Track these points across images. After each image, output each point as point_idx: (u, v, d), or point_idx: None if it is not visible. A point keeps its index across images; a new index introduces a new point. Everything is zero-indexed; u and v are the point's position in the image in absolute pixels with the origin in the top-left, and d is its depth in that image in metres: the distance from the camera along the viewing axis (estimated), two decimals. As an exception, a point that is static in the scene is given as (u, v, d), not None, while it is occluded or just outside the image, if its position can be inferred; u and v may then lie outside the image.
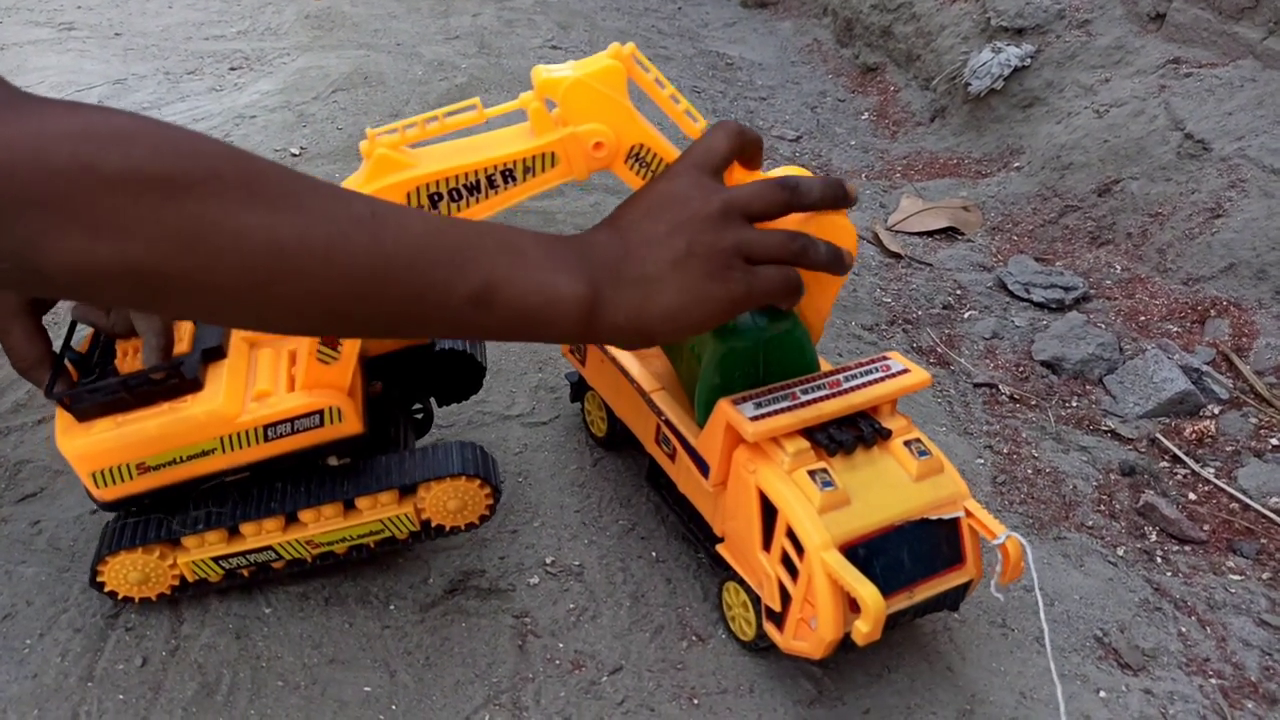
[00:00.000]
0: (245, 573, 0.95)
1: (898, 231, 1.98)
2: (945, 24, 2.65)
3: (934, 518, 0.86)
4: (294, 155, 1.93)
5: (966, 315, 1.68)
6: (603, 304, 0.67)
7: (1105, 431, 1.41)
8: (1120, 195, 1.93)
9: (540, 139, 0.77)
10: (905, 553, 0.85)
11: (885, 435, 0.89)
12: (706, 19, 3.32)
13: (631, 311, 0.68)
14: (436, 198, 0.78)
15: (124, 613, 0.95)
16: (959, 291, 1.76)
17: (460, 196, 0.79)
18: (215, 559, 0.92)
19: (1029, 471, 1.30)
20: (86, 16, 2.65)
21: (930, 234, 1.98)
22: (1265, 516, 1.24)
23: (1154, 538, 1.21)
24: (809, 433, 0.87)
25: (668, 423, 0.97)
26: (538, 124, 0.77)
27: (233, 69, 2.37)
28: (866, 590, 0.77)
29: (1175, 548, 1.19)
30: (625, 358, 1.05)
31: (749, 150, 0.76)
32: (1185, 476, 1.32)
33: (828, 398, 0.89)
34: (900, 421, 0.92)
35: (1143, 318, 1.67)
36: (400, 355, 1.02)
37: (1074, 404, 1.47)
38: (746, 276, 0.70)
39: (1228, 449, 1.36)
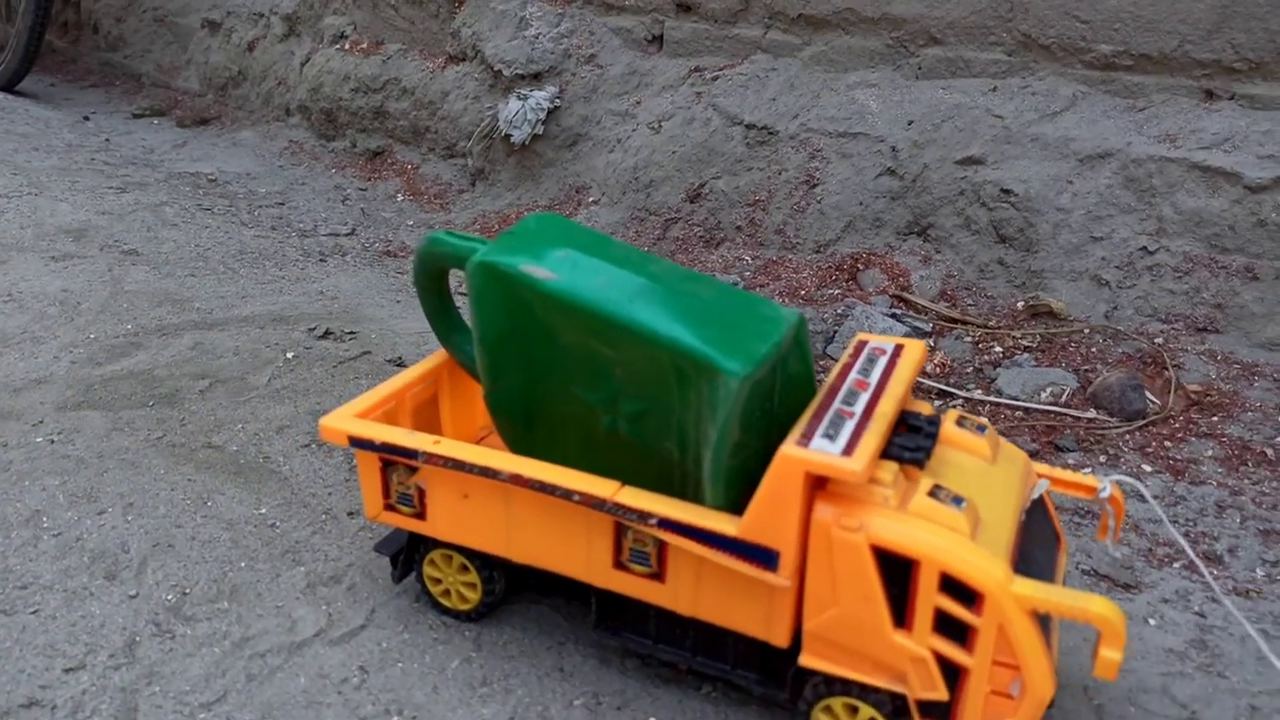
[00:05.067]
0: None
1: (536, 286, 1.79)
2: (446, 89, 2.53)
3: (1035, 496, 0.70)
4: None
5: (671, 338, 1.56)
6: None
7: (873, 394, 1.39)
8: (711, 196, 1.98)
9: None
10: (1035, 549, 0.68)
11: (938, 423, 0.71)
12: (150, 145, 2.81)
13: None
14: None
15: None
16: (640, 321, 1.64)
17: None
18: None
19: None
20: None
21: (565, 280, 1.83)
22: (1049, 411, 1.30)
23: (1008, 464, 1.19)
24: (883, 453, 0.66)
25: (665, 523, 0.68)
26: None
27: None
28: (1100, 607, 0.58)
29: (1027, 465, 1.19)
30: (538, 466, 0.72)
31: None
32: (963, 405, 1.34)
33: (875, 399, 0.68)
34: (925, 404, 0.74)
35: (803, 292, 1.70)
36: None
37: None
38: None
39: (969, 370, 1.42)
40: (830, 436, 0.63)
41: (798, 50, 2.01)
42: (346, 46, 2.80)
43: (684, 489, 0.72)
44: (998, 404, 1.33)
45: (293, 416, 1.19)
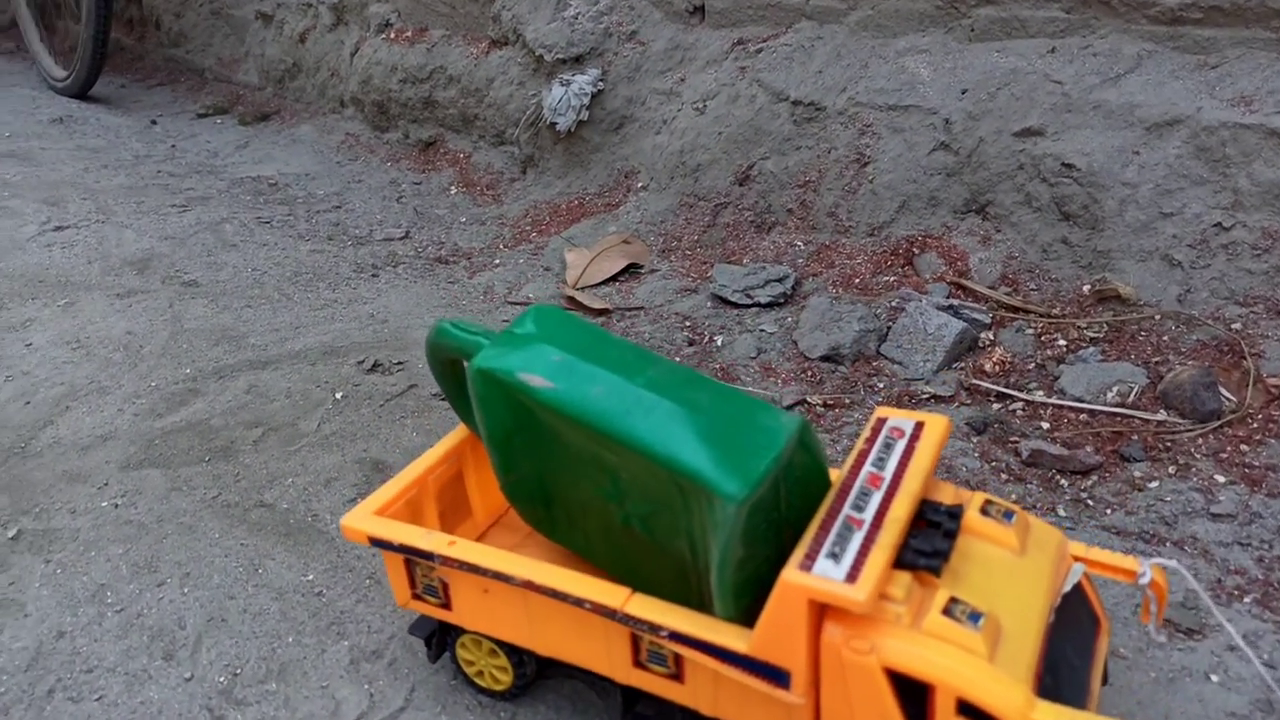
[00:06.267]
0: None
1: (585, 288, 1.78)
2: (490, 76, 2.50)
3: (1066, 589, 0.66)
4: None
5: (719, 342, 1.54)
6: None
7: (926, 398, 1.34)
8: (761, 179, 1.92)
9: None
10: (1068, 648, 0.65)
11: (960, 514, 0.67)
12: (214, 148, 2.86)
13: None
14: None
15: None
16: (689, 323, 1.61)
17: None
18: None
19: (915, 472, 1.17)
20: None
21: (615, 278, 1.81)
22: (1115, 414, 1.23)
23: (1066, 484, 1.14)
24: (896, 560, 0.63)
25: (675, 635, 0.67)
26: None
27: None
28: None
29: (1088, 483, 1.13)
30: (549, 571, 0.71)
31: None
32: (1024, 409, 1.29)
33: (888, 499, 0.65)
34: (947, 488, 0.71)
35: (857, 280, 1.64)
36: None
37: (879, 385, 1.39)
38: None
39: (1030, 367, 1.36)
40: (835, 556, 0.61)
41: (843, 16, 1.92)
42: (391, 35, 2.79)
43: (700, 590, 0.70)
44: (1060, 406, 1.27)
45: (340, 467, 1.22)
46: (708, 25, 2.19)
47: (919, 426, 0.72)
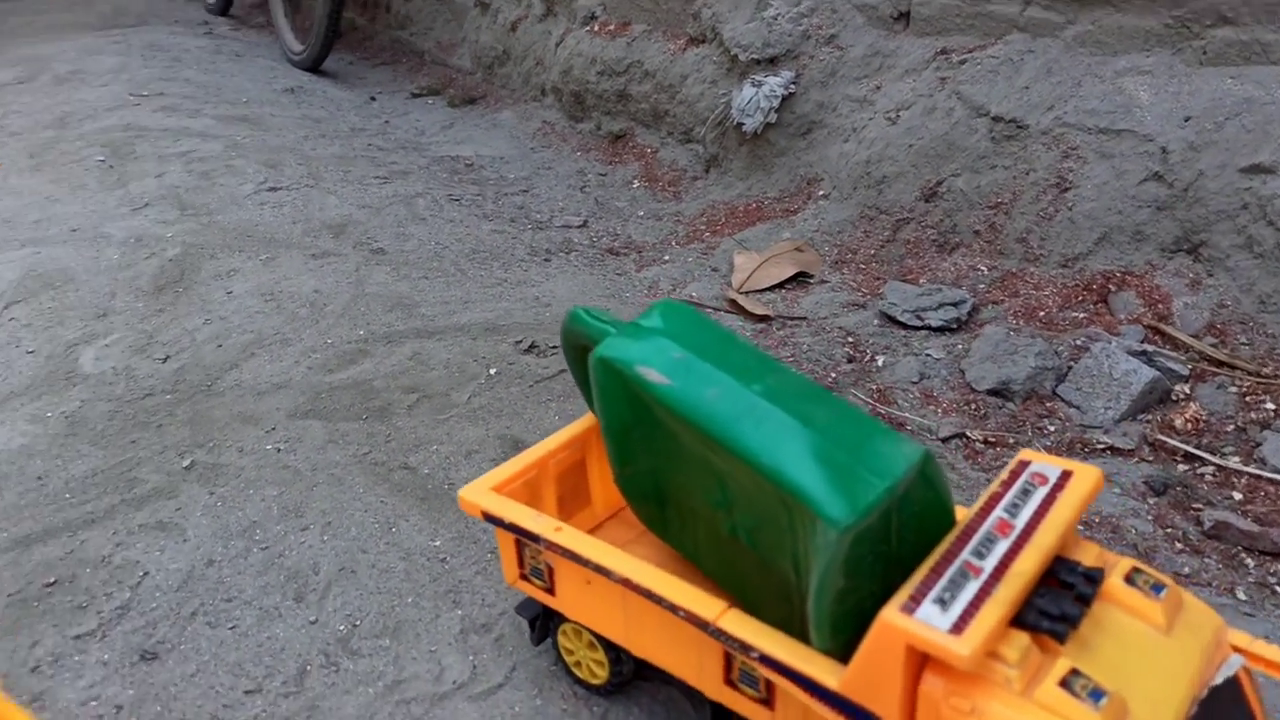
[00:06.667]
0: None
1: (749, 292, 1.75)
2: (685, 73, 2.50)
3: (1217, 682, 0.59)
4: (-26, 409, 1.39)
5: (880, 363, 1.47)
6: None
7: (1102, 449, 1.23)
8: (949, 196, 1.82)
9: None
10: (1211, 744, 0.57)
11: (1099, 579, 0.61)
12: (421, 126, 3.01)
13: None
14: None
15: None
16: (851, 339, 1.55)
17: None
18: None
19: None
20: None
21: (780, 285, 1.77)
22: (1323, 491, 1.09)
23: (1252, 564, 1.01)
24: (1017, 618, 0.57)
25: (766, 659, 0.63)
26: None
27: None
28: None
29: (1278, 567, 1.00)
30: (646, 571, 0.70)
31: None
32: (1215, 474, 1.16)
33: (1014, 550, 0.59)
34: (1091, 549, 0.64)
35: (1042, 313, 1.53)
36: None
37: (1050, 429, 1.29)
38: None
39: (1229, 429, 1.22)
40: (943, 602, 0.56)
41: (1059, 29, 1.79)
42: (595, 28, 2.84)
43: (802, 614, 0.67)
44: (1258, 477, 1.14)
45: (482, 440, 1.25)
46: (911, 32, 2.10)
47: (1065, 475, 0.66)
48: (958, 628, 0.54)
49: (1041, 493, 0.64)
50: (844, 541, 0.58)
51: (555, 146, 2.77)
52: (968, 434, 1.28)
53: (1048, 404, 1.33)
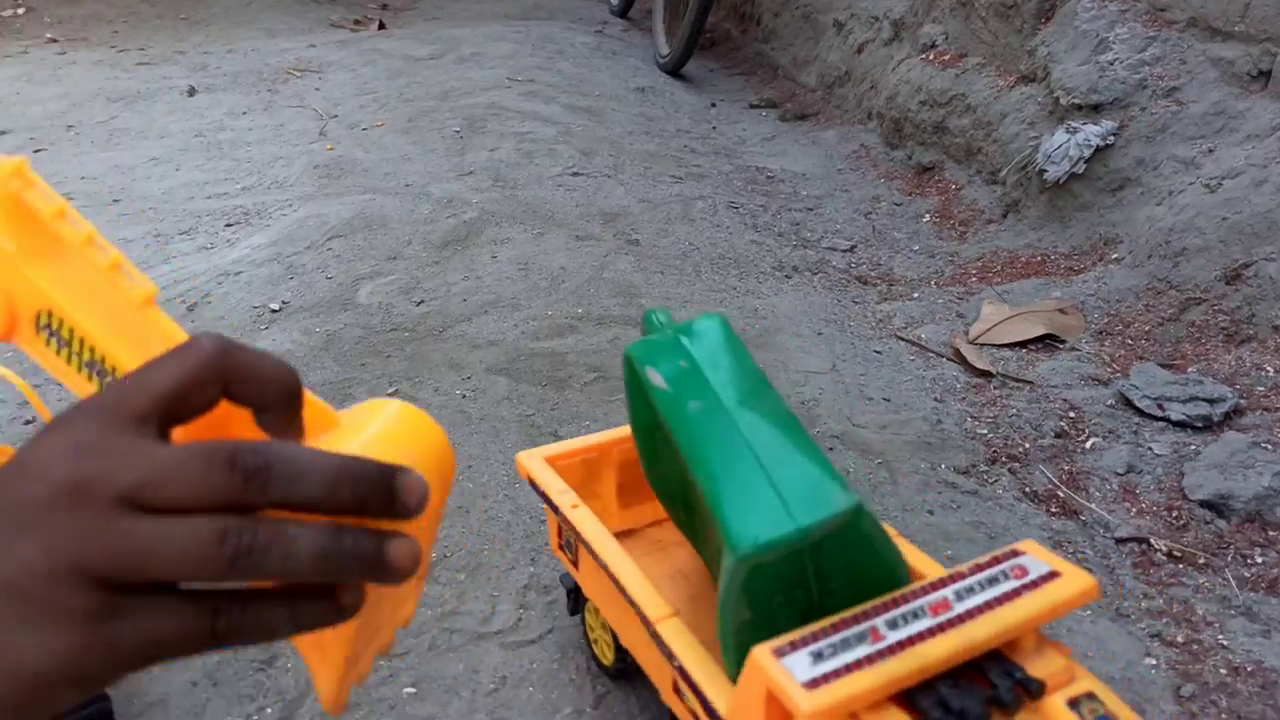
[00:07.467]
0: None
1: (983, 345, 1.64)
2: (1005, 111, 2.36)
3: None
4: (273, 311, 1.69)
5: (1089, 444, 1.32)
6: None
7: (1315, 600, 1.02)
8: (1255, 281, 1.57)
9: None
10: None
11: (1036, 691, 0.54)
12: (744, 135, 3.11)
13: None
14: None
15: None
16: (1072, 414, 1.40)
17: None
18: None
19: (1223, 672, 0.92)
20: (87, 186, 2.52)
21: (1023, 344, 1.64)
22: None
23: None
24: (908, 697, 0.53)
25: (684, 672, 0.63)
26: None
27: (229, 225, 2.19)
28: None
29: None
30: (621, 563, 0.72)
31: (241, 389, 0.36)
32: None
33: (933, 632, 0.54)
34: (1055, 660, 0.57)
35: (1319, 434, 1.28)
36: None
37: (1258, 559, 1.09)
38: (108, 618, 0.33)
39: None
40: (820, 655, 0.53)
41: None
42: (931, 56, 2.76)
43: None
44: None
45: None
46: (1267, 95, 1.83)
47: (1050, 575, 0.58)
48: (815, 683, 0.51)
49: (1009, 585, 0.58)
50: (740, 570, 0.56)
51: (862, 170, 2.74)
52: (1151, 541, 1.12)
53: (1270, 532, 1.13)
